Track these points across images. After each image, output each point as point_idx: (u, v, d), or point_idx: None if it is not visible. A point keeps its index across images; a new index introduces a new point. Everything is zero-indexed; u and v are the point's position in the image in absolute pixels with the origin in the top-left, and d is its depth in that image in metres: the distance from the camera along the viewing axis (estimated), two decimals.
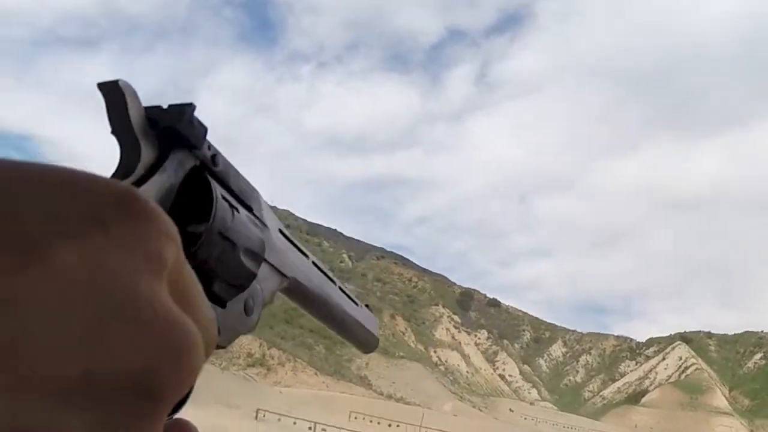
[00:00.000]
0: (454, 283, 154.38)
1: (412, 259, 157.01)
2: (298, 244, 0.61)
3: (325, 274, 0.66)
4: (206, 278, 0.46)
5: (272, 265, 0.55)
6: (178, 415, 0.40)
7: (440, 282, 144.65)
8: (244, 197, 0.52)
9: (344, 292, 0.71)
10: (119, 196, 0.26)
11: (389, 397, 73.11)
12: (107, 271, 0.24)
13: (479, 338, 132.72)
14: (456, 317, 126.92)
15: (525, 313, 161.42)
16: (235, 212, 0.48)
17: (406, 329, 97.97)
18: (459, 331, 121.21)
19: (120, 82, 0.41)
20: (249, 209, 0.52)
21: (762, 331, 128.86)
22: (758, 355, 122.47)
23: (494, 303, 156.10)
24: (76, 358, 0.23)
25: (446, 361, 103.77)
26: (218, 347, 0.48)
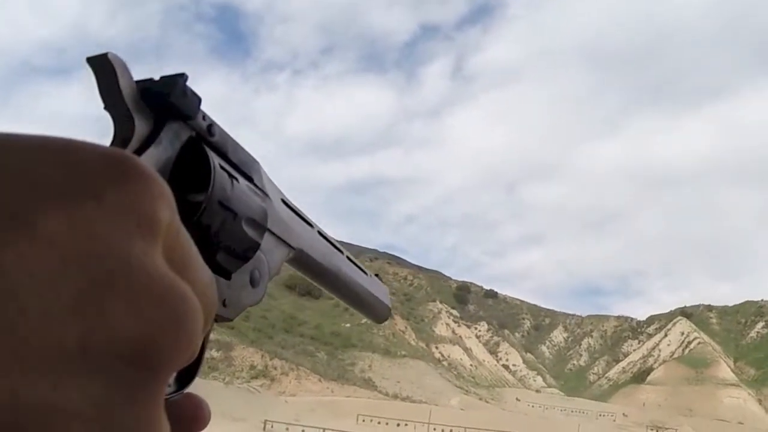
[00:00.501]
0: (450, 278, 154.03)
1: (405, 257, 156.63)
2: (303, 214, 0.60)
3: (331, 243, 0.65)
4: (209, 249, 0.45)
5: (276, 236, 0.54)
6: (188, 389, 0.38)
7: (436, 278, 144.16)
8: (243, 167, 0.51)
9: (352, 261, 0.70)
10: (109, 160, 0.25)
11: (395, 396, 72.49)
12: (99, 238, 0.23)
13: (479, 330, 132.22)
14: (455, 311, 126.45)
15: (523, 301, 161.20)
16: (235, 182, 0.47)
17: (405, 328, 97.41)
18: (459, 325, 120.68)
19: (109, 55, 0.40)
20: (249, 179, 0.51)
21: (762, 300, 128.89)
22: (760, 324, 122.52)
23: (491, 294, 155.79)
24: (71, 329, 0.22)
25: (449, 356, 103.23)
26: (225, 320, 0.49)
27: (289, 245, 0.56)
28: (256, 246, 0.50)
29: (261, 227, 0.50)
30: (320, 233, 0.63)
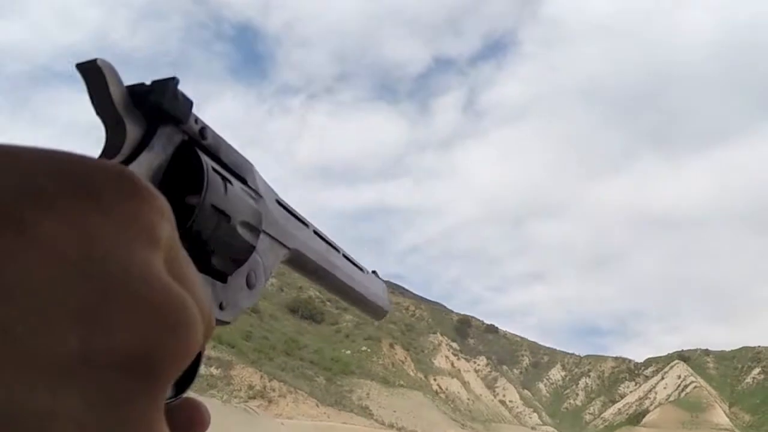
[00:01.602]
0: (452, 311, 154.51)
1: (408, 287, 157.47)
2: (298, 214, 0.60)
3: (328, 242, 0.65)
4: (204, 253, 0.45)
5: (272, 237, 0.54)
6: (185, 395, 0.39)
7: (437, 310, 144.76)
8: (237, 169, 0.50)
9: (349, 259, 0.69)
10: (110, 174, 0.25)
11: (391, 426, 73.10)
12: (100, 246, 0.23)
13: (478, 365, 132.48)
14: (454, 344, 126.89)
15: (523, 338, 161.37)
16: (228, 184, 0.47)
17: (405, 358, 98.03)
18: (458, 359, 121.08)
19: (98, 61, 0.40)
20: (243, 181, 0.51)
21: (759, 346, 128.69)
22: (756, 370, 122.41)
23: (492, 329, 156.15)
24: (72, 336, 0.22)
25: (446, 389, 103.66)
26: (223, 323, 0.49)
27: (284, 246, 0.56)
28: (251, 248, 0.50)
29: (256, 229, 0.50)
30: (316, 232, 0.62)
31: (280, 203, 0.57)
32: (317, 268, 0.63)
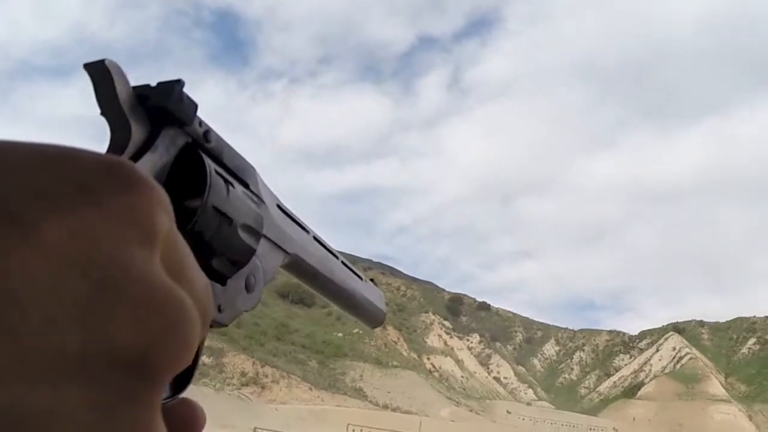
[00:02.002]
0: (443, 289, 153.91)
1: (398, 267, 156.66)
2: (298, 219, 0.60)
3: (326, 248, 0.65)
4: (204, 255, 0.45)
5: (272, 241, 0.54)
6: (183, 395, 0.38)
7: (429, 289, 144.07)
8: (239, 173, 0.51)
9: (347, 266, 0.70)
10: (108, 168, 0.25)
11: (385, 407, 72.35)
12: (100, 245, 0.23)
13: (471, 342, 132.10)
14: (447, 323, 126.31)
15: (515, 314, 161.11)
16: (231, 187, 0.47)
17: (398, 338, 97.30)
18: (451, 337, 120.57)
19: (106, 62, 0.40)
20: (245, 185, 0.51)
21: (754, 316, 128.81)
22: (752, 341, 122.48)
23: (484, 306, 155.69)
24: (72, 336, 0.22)
25: (440, 368, 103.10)
26: (220, 325, 0.49)
27: (284, 250, 0.56)
28: (251, 252, 0.50)
29: (256, 233, 0.50)
30: (315, 238, 0.63)
31: (281, 208, 0.57)
32: (316, 273, 0.63)
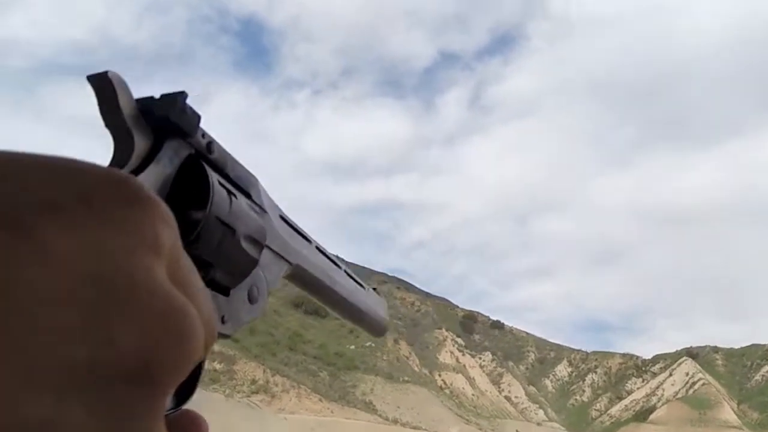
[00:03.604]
0: (457, 306, 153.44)
1: (413, 282, 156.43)
2: (301, 230, 0.60)
3: (329, 258, 0.65)
4: (207, 266, 0.45)
5: (275, 252, 0.54)
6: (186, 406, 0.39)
7: (443, 305, 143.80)
8: (242, 184, 0.51)
9: (350, 276, 0.70)
10: (114, 183, 0.25)
11: (395, 421, 72.39)
12: (107, 257, 0.24)
13: (484, 360, 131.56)
14: (460, 340, 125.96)
15: (529, 334, 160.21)
16: (234, 198, 0.48)
17: (410, 353, 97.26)
18: (463, 354, 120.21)
19: (109, 73, 0.40)
20: (248, 196, 0.51)
21: None
22: (766, 368, 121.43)
23: (498, 325, 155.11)
24: (80, 348, 0.22)
25: (451, 385, 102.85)
26: (223, 336, 0.49)
27: (287, 260, 0.56)
28: (254, 263, 0.50)
29: (259, 244, 0.50)
30: (318, 248, 0.63)
31: (283, 218, 0.57)
32: (319, 283, 0.63)
